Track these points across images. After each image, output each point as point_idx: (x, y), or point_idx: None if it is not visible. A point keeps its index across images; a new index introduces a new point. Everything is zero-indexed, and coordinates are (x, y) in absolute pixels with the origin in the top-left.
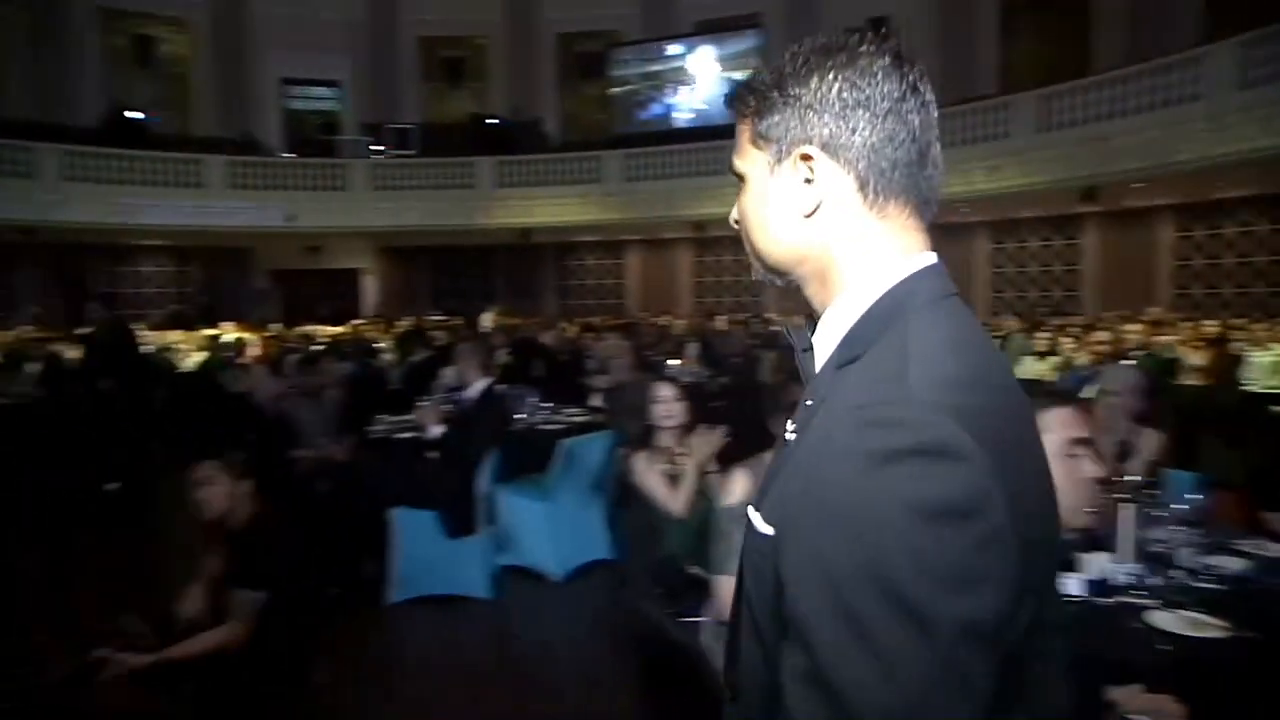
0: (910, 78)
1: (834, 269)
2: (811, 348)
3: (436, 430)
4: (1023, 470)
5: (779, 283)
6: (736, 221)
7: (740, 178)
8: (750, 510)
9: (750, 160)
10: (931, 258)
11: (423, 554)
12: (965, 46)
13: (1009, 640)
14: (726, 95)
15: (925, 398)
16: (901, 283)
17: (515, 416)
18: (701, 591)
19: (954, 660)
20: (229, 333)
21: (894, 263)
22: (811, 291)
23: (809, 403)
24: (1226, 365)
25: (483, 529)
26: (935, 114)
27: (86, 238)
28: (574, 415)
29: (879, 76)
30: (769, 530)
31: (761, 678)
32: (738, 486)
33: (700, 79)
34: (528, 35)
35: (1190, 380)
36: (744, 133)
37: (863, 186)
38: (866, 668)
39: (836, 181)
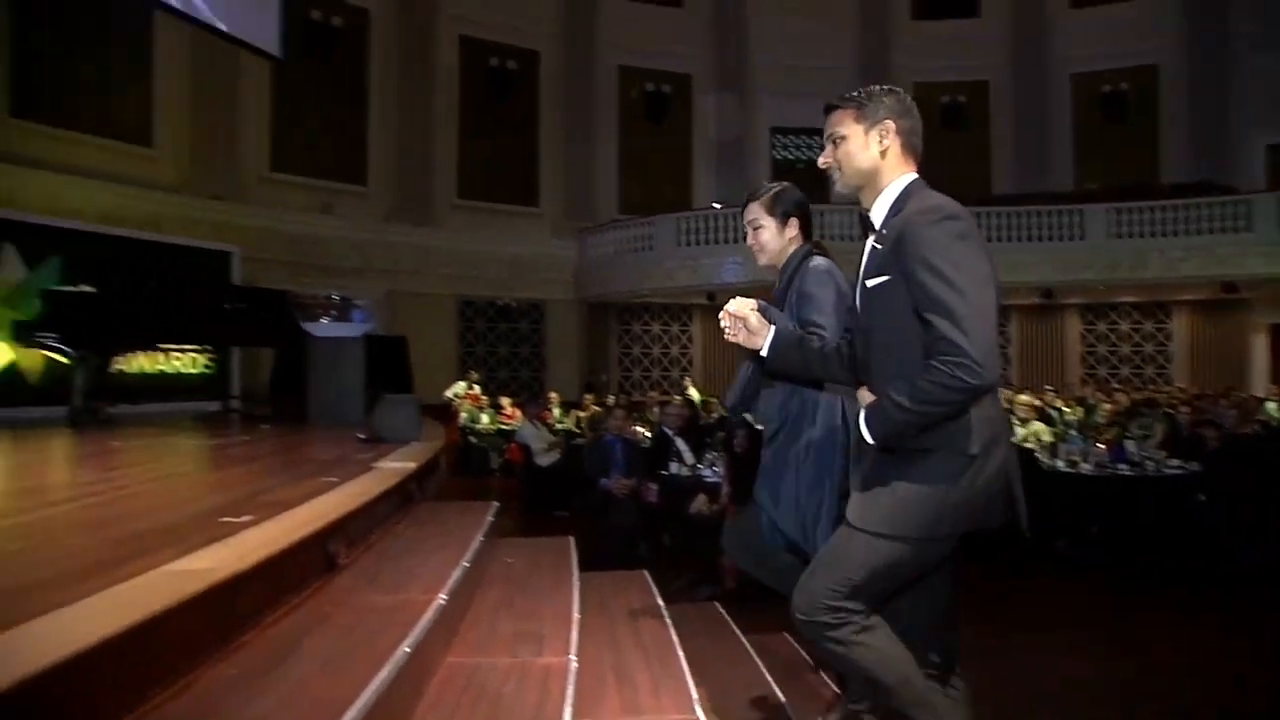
0: (911, 104)
1: (880, 180)
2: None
3: None
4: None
5: (853, 191)
6: (826, 162)
7: (841, 139)
8: (863, 282)
9: (848, 128)
10: (915, 175)
11: None
12: None
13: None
14: (832, 101)
15: (944, 203)
16: (910, 183)
17: None
18: None
19: (961, 273)
20: None
21: (903, 175)
22: (865, 195)
23: (883, 233)
24: None
25: None
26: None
27: None
28: None
29: (906, 102)
30: (882, 279)
31: (892, 367)
32: None
33: None
34: None
35: None
36: (847, 116)
37: (903, 148)
38: (945, 287)
39: (894, 141)
